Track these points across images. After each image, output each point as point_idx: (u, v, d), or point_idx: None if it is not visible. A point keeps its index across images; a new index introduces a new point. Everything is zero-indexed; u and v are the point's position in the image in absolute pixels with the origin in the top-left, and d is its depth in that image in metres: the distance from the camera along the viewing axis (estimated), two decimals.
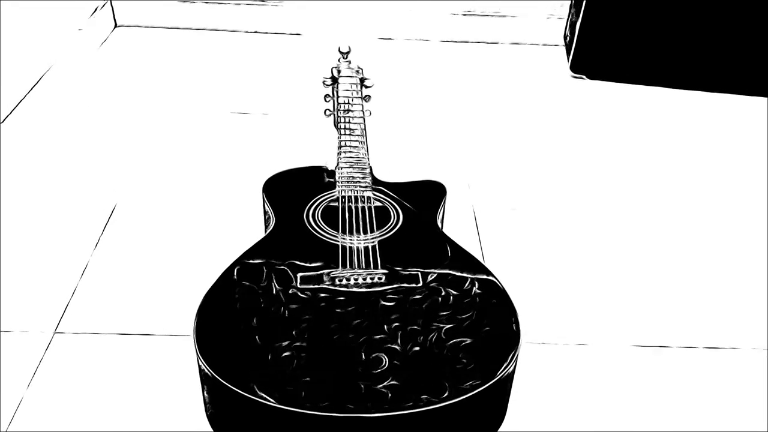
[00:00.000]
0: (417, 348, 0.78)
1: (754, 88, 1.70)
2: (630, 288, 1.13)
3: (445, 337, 0.79)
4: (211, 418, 0.81)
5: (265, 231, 1.03)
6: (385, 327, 0.80)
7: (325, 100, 1.32)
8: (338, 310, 0.82)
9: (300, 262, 0.88)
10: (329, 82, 1.32)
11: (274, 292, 0.84)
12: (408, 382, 0.74)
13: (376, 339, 0.78)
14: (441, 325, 0.80)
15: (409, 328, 0.80)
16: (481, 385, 0.74)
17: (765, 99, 1.71)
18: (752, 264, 1.20)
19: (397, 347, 0.78)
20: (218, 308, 0.81)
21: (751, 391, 0.96)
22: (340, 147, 1.12)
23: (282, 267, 0.88)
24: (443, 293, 0.85)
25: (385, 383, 0.74)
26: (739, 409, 0.93)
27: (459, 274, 0.88)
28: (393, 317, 0.81)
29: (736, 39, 1.65)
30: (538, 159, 1.45)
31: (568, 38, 1.79)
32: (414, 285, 0.85)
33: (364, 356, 0.76)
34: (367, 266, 0.88)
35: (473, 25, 1.91)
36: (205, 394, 0.80)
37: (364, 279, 0.86)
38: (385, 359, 0.76)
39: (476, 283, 0.87)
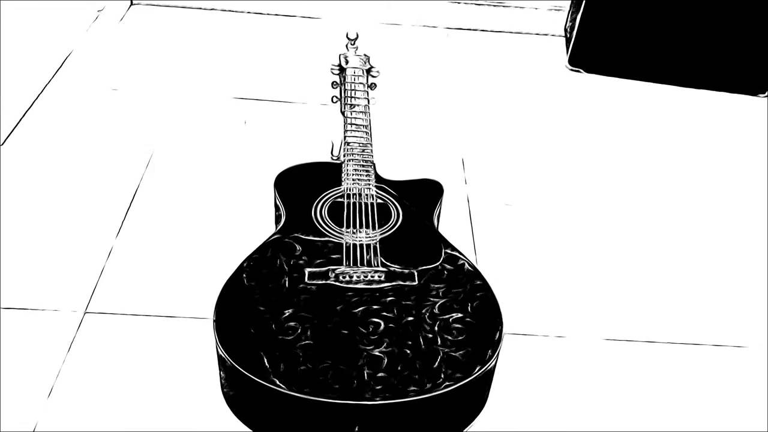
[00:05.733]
0: (411, 318, 0.89)
1: (751, 87, 1.72)
2: (623, 284, 1.17)
3: (438, 312, 0.90)
4: (227, 395, 0.92)
5: (276, 224, 1.12)
6: (383, 300, 0.92)
7: (333, 87, 1.38)
8: (340, 302, 0.92)
9: (308, 258, 0.97)
10: (337, 70, 1.38)
11: (282, 285, 0.93)
12: (402, 350, 0.85)
13: (374, 326, 0.89)
14: (435, 300, 0.92)
15: (403, 302, 0.92)
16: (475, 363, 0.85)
17: (765, 98, 1.73)
18: (744, 260, 1.24)
19: (391, 316, 0.90)
20: (233, 301, 0.91)
21: (742, 387, 1.02)
22: (345, 137, 1.19)
23: (289, 262, 0.97)
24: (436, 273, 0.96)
25: (381, 347, 0.86)
26: (732, 404, 0.99)
27: (454, 253, 0.99)
28: (389, 293, 0.93)
29: (733, 37, 1.66)
30: (534, 154, 1.47)
31: (568, 32, 1.82)
32: (410, 283, 0.94)
33: (363, 346, 0.86)
34: (369, 264, 0.97)
35: (479, 13, 1.94)
36: (222, 375, 0.91)
37: (365, 276, 0.95)
38: (384, 336, 0.87)
39: (469, 264, 0.98)
